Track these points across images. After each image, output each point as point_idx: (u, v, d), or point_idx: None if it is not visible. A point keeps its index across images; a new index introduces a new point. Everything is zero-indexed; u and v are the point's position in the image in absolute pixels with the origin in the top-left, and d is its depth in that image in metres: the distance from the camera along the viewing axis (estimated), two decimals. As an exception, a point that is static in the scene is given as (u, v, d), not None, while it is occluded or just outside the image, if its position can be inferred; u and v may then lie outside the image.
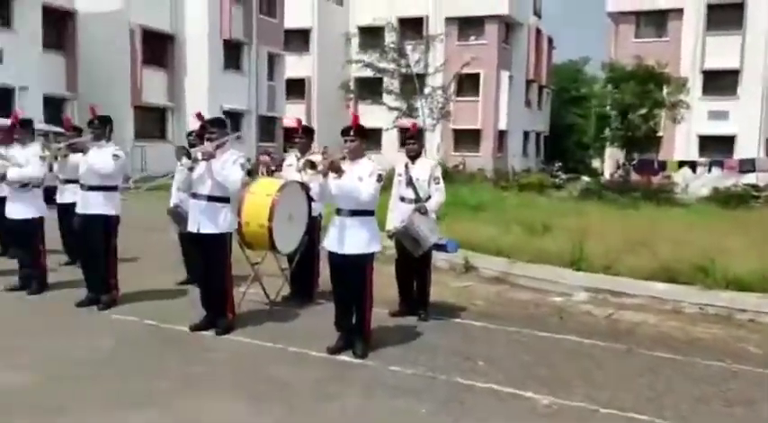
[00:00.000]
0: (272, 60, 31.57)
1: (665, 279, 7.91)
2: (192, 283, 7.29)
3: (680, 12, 31.53)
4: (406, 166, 6.32)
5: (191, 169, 5.51)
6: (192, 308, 6.17)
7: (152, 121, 26.62)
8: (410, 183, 6.22)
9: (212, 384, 4.59)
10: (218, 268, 5.64)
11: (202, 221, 5.57)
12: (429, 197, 6.23)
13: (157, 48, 26.38)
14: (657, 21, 32.54)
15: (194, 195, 5.64)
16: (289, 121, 30.30)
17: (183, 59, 27.07)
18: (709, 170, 27.26)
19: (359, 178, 5.04)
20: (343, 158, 5.12)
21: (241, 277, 6.60)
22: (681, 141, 30.22)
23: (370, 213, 5.19)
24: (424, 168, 6.31)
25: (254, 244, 6.37)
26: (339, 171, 4.97)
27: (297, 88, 35.81)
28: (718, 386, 4.90)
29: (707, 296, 7.34)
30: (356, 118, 5.26)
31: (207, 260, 5.65)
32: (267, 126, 31.20)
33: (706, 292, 7.50)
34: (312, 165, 4.97)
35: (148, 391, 4.43)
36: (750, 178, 25.42)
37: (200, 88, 26.86)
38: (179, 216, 6.97)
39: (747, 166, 26.70)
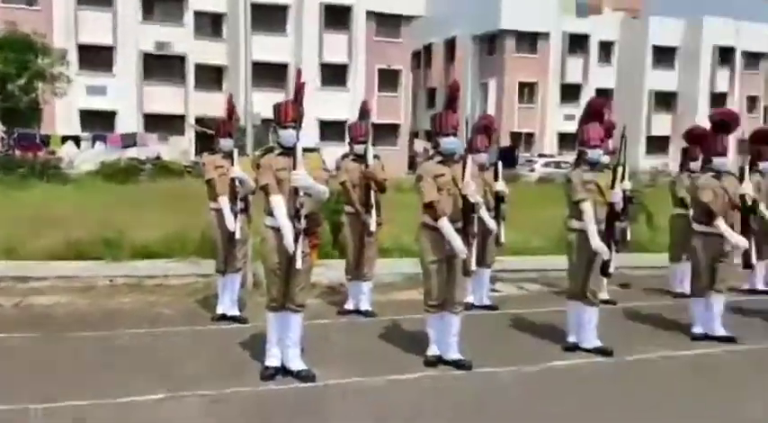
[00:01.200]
0: None
1: (73, 257, 7.79)
2: None
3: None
4: None
5: None
6: None
7: None
8: None
9: None
10: None
11: None
12: None
13: None
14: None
15: None
16: None
17: None
18: (93, 145, 27.80)
19: None
20: None
21: None
22: (62, 115, 29.58)
23: None
24: None
25: None
26: None
27: None
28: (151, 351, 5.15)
29: (116, 268, 7.58)
30: None
31: None
32: None
33: (115, 264, 7.74)
34: None
35: None
36: (133, 152, 26.97)
37: None
38: None
39: (129, 140, 28.34)
